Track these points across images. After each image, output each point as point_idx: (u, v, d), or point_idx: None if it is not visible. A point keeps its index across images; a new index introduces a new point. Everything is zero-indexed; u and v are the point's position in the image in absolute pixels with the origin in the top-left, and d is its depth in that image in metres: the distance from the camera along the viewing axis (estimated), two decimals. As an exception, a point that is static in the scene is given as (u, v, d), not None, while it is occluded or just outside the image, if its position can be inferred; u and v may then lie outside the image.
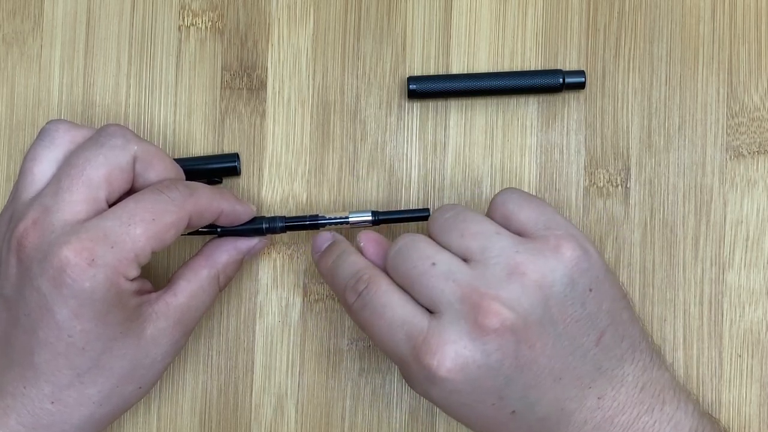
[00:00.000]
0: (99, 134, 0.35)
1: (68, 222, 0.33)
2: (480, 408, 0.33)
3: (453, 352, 0.31)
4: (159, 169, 0.35)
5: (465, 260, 0.33)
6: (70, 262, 0.32)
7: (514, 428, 0.33)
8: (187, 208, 0.34)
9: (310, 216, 0.38)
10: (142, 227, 0.33)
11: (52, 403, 0.33)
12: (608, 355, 0.33)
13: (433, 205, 0.41)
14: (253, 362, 0.41)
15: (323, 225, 0.38)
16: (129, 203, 0.34)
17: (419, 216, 0.38)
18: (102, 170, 0.34)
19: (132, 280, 0.33)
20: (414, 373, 0.33)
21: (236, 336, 0.41)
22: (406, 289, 0.33)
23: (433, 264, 0.33)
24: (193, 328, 0.37)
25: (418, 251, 0.33)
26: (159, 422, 0.41)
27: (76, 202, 0.33)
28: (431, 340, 0.32)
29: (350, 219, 0.38)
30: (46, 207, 0.33)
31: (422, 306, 0.33)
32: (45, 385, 0.33)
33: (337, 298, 0.40)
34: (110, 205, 0.34)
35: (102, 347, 0.33)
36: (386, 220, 0.38)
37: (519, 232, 0.34)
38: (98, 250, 0.32)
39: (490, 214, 0.35)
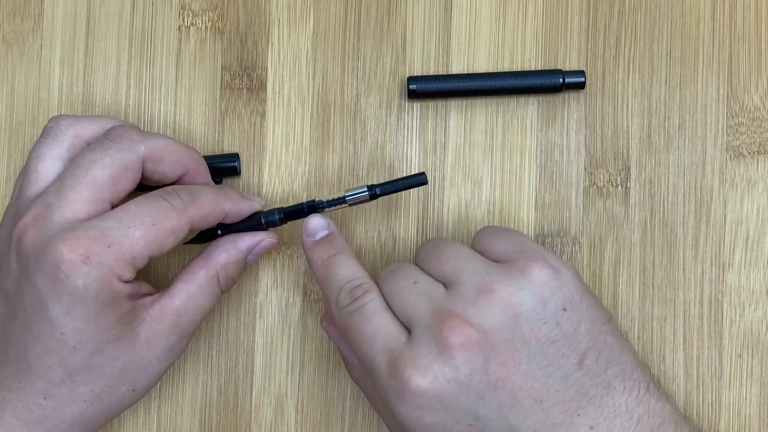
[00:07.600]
0: (106, 135, 0.35)
1: (68, 220, 0.33)
2: (458, 430, 0.32)
3: (422, 366, 0.31)
4: (169, 161, 0.36)
5: (445, 285, 0.34)
6: (64, 258, 0.32)
7: None
8: (188, 215, 0.34)
9: (308, 202, 0.37)
10: (142, 231, 0.33)
11: (45, 398, 0.34)
12: (594, 381, 0.33)
13: (434, 205, 0.41)
14: (253, 362, 0.41)
15: (322, 209, 0.37)
16: (130, 207, 0.34)
17: (416, 182, 0.37)
18: (107, 172, 0.34)
19: (126, 282, 0.33)
20: (385, 387, 0.32)
21: (236, 336, 0.41)
22: (389, 304, 0.34)
23: (415, 282, 0.34)
24: (193, 332, 0.36)
25: (405, 272, 0.35)
26: (159, 422, 0.41)
27: (78, 201, 0.33)
28: (405, 354, 0.32)
29: (347, 198, 0.37)
30: (48, 204, 0.34)
31: (402, 324, 0.34)
32: (38, 381, 0.34)
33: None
34: (114, 206, 0.34)
35: (94, 348, 0.33)
36: (383, 192, 0.37)
37: (494, 261, 0.35)
38: (94, 249, 0.32)
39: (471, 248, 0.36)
